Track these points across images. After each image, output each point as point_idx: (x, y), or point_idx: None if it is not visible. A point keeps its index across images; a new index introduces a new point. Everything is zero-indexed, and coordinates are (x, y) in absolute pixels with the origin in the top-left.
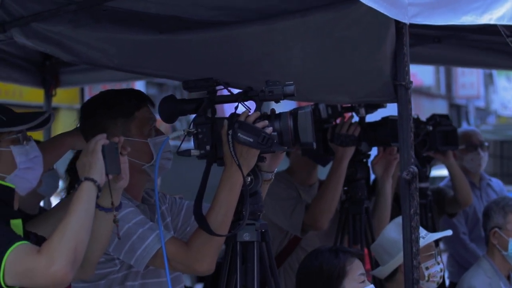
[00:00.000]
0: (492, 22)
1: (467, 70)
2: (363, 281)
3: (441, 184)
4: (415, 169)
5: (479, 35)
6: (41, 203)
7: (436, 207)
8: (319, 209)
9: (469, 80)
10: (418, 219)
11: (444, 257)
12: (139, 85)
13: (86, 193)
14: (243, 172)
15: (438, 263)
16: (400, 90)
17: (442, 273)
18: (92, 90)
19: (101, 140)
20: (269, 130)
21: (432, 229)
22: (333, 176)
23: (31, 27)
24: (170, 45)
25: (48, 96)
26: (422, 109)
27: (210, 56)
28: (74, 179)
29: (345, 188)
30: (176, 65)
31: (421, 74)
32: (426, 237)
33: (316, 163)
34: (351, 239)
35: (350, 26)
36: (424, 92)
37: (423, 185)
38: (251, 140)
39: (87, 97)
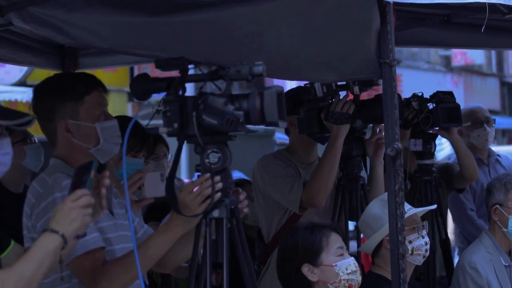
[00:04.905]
0: (480, 0)
1: None
2: (341, 254)
3: (450, 160)
4: (399, 145)
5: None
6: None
7: (444, 183)
8: (316, 187)
9: None
10: (403, 195)
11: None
12: None
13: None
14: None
15: (423, 237)
16: (384, 67)
17: (428, 247)
18: (141, 72)
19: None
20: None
21: (438, 205)
22: (328, 154)
23: (28, 11)
24: (160, 27)
25: None
26: (474, 87)
27: (199, 37)
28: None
29: (341, 165)
30: (167, 46)
31: (472, 53)
32: (408, 212)
33: (315, 142)
34: (347, 216)
35: (334, 5)
36: (476, 71)
37: (428, 161)
38: (216, 122)
39: None
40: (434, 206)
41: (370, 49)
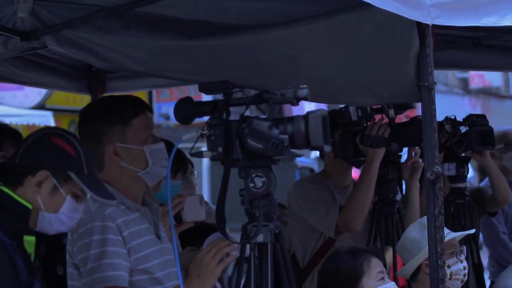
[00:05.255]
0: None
1: None
2: (382, 279)
3: (482, 183)
4: (439, 169)
5: None
6: None
7: (476, 206)
8: (352, 211)
9: None
10: (443, 219)
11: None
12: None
13: None
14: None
15: (461, 261)
16: (423, 91)
17: (466, 271)
18: (160, 95)
19: None
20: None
21: (471, 228)
22: (364, 177)
23: (63, 35)
24: (198, 50)
25: None
26: (492, 110)
27: (236, 60)
28: None
29: (377, 189)
30: (204, 69)
31: (489, 75)
32: (447, 236)
33: (350, 165)
34: (383, 240)
35: (373, 29)
36: (493, 93)
37: (461, 185)
38: (261, 146)
39: (155, 101)
40: (473, 231)
41: (409, 72)
